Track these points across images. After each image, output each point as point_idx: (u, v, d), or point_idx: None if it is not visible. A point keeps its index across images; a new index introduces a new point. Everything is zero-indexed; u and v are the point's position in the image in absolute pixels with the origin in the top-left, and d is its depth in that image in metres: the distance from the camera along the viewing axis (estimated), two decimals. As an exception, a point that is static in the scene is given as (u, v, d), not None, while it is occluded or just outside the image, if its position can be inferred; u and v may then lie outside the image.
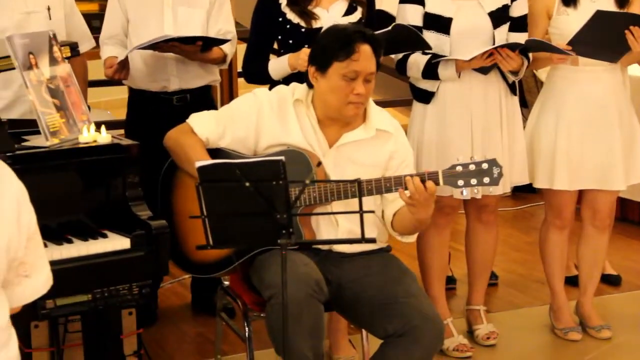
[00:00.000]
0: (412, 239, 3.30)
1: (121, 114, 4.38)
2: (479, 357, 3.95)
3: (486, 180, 3.05)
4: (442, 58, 3.71)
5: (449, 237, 4.06)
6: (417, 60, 3.78)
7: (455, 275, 4.70)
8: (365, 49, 3.09)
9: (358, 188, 2.75)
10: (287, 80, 3.62)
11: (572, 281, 4.37)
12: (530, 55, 3.80)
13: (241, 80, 5.17)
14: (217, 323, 3.61)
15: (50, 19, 3.71)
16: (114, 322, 3.13)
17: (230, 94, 5.53)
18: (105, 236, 2.97)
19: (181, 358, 3.94)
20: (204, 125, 3.26)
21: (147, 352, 3.30)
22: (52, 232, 2.90)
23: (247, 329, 3.26)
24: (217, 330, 3.63)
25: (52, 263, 2.68)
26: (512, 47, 3.67)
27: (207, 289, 4.22)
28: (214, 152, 3.23)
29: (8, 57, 3.01)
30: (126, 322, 3.16)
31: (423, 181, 2.99)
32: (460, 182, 3.06)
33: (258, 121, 3.22)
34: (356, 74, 3.09)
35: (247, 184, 2.63)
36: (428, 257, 3.99)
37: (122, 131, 4.33)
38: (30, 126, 3.11)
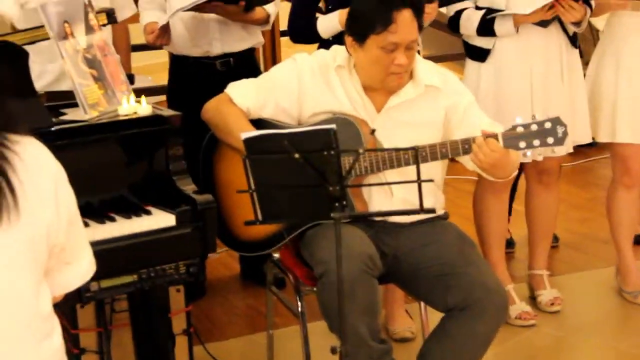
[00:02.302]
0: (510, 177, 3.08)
1: (163, 79, 4.27)
2: (543, 325, 3.80)
3: (550, 140, 2.86)
4: (499, 13, 3.52)
5: (507, 200, 3.88)
6: (471, 17, 3.59)
7: (514, 237, 4.51)
8: (404, 17, 2.89)
9: (416, 156, 2.57)
10: (337, 39, 3.48)
11: (638, 241, 4.20)
12: (593, 2, 3.58)
13: (284, 40, 5.02)
14: (267, 296, 3.49)
15: None
16: (162, 300, 3.00)
17: (273, 56, 5.37)
18: (149, 213, 2.83)
19: (232, 332, 3.85)
20: (244, 95, 3.10)
21: (196, 330, 3.18)
22: (94, 210, 2.78)
23: (299, 304, 3.14)
24: (267, 303, 3.51)
25: (95, 243, 2.63)
26: None
27: (256, 259, 4.06)
28: (256, 123, 3.08)
29: (42, 26, 2.86)
30: (174, 300, 3.04)
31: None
32: (522, 144, 2.86)
33: (300, 88, 3.06)
34: (396, 46, 2.90)
35: (297, 155, 2.48)
36: (486, 223, 3.83)
37: (164, 97, 4.22)
38: (71, 97, 2.96)
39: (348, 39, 2.99)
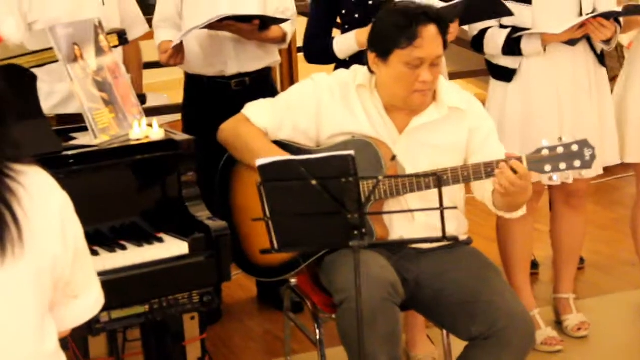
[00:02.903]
0: (521, 213, 2.97)
1: (179, 96, 4.19)
2: (570, 351, 3.68)
3: (577, 164, 2.75)
4: (526, 32, 3.42)
5: (533, 224, 3.76)
6: (495, 36, 3.50)
7: (538, 258, 4.39)
8: (430, 32, 2.80)
9: (438, 182, 2.48)
10: (353, 59, 3.41)
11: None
12: (622, 20, 3.47)
13: (301, 57, 4.94)
14: (285, 322, 3.40)
15: (103, 4, 3.51)
16: (176, 329, 2.94)
17: (291, 74, 5.29)
18: (161, 240, 2.76)
19: (250, 358, 3.76)
20: (262, 116, 3.02)
21: (211, 358, 3.10)
22: (104, 238, 2.72)
23: (317, 331, 3.06)
24: (285, 329, 3.42)
25: (105, 273, 2.58)
26: (606, 15, 3.36)
27: (274, 281, 4.01)
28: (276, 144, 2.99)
29: (51, 48, 2.79)
30: (188, 328, 2.96)
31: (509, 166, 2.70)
32: (548, 168, 2.76)
33: (318, 109, 2.96)
34: (421, 61, 2.81)
35: (314, 182, 2.39)
36: (510, 247, 3.71)
37: (179, 116, 4.14)
38: (81, 121, 2.89)
39: (371, 56, 2.90)
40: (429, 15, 2.81)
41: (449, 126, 2.96)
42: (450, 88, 3.02)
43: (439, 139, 2.95)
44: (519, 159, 2.75)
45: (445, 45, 2.87)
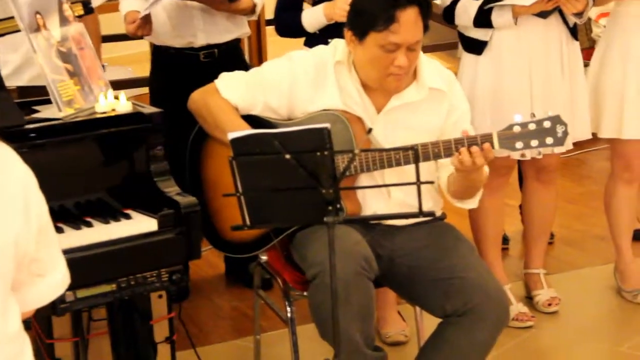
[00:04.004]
0: (474, 204, 2.96)
1: (144, 69, 4.10)
2: (541, 326, 3.68)
3: (549, 140, 2.71)
4: (497, 3, 3.37)
5: (504, 199, 3.74)
6: (467, 7, 3.44)
7: (508, 233, 4.37)
8: (408, 16, 2.71)
9: (415, 156, 2.42)
10: (323, 32, 3.36)
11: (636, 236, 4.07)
12: (595, -9, 3.45)
13: (270, 30, 4.87)
14: (255, 300, 3.34)
15: None
16: (143, 307, 2.86)
17: (259, 46, 5.20)
18: (128, 217, 2.67)
19: (218, 337, 3.70)
20: (234, 92, 2.94)
21: (187, 333, 3.06)
22: (69, 215, 2.62)
23: (288, 309, 3.01)
24: (255, 307, 3.37)
25: (71, 250, 2.49)
26: None
27: (242, 258, 3.95)
28: (245, 119, 2.92)
29: (12, 17, 2.68)
30: (156, 306, 2.89)
31: (473, 144, 2.65)
32: (519, 145, 2.72)
33: (291, 91, 2.89)
34: (396, 46, 2.73)
35: (288, 156, 2.33)
36: (482, 222, 3.69)
37: (146, 89, 4.05)
38: (41, 93, 2.79)
39: (347, 33, 2.82)
40: None
41: (428, 107, 2.90)
42: (432, 66, 2.95)
43: (417, 120, 2.89)
44: (490, 136, 2.70)
45: (426, 28, 2.79)
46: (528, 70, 3.47)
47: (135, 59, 5.87)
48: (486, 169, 2.80)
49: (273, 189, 2.42)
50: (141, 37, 3.74)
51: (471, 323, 2.74)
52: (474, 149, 2.67)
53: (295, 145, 2.34)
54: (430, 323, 2.92)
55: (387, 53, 2.74)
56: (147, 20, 3.60)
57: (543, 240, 3.86)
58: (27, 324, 2.77)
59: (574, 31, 3.54)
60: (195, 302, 3.94)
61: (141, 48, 5.37)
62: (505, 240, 4.34)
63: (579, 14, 3.44)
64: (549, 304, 3.76)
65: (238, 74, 3.01)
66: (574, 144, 3.62)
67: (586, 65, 3.72)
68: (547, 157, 3.39)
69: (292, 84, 2.88)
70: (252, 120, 2.91)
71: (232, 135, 2.38)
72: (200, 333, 3.69)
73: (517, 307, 3.68)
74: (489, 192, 3.57)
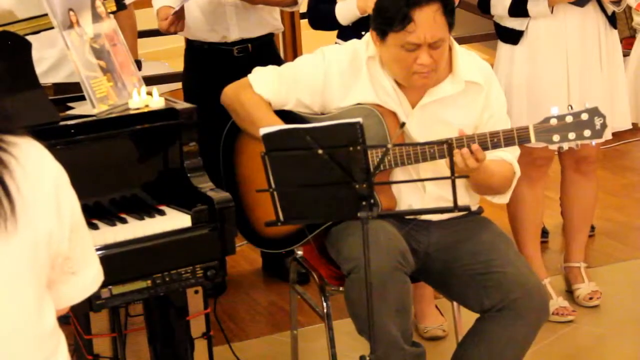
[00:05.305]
0: (505, 199, 2.92)
1: (180, 64, 4.09)
2: (581, 321, 3.62)
3: (587, 133, 2.67)
4: (533, -9, 3.31)
5: (543, 191, 3.68)
6: (503, -4, 3.38)
7: (547, 226, 4.30)
8: (426, 15, 2.66)
9: (449, 149, 2.38)
10: (356, 25, 3.34)
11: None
12: (631, -22, 3.38)
13: (304, 23, 4.84)
14: (291, 295, 3.32)
15: None
16: (179, 303, 2.85)
17: (294, 41, 5.18)
18: (163, 213, 2.67)
19: (255, 332, 3.70)
20: (267, 87, 2.92)
21: (222, 328, 3.07)
22: (103, 211, 2.63)
23: (325, 304, 2.98)
24: (291, 302, 3.34)
25: (105, 247, 2.50)
26: None
27: (279, 252, 3.93)
28: (279, 114, 2.90)
29: (45, 15, 2.68)
30: (192, 302, 2.88)
31: (508, 138, 2.61)
32: (556, 137, 2.68)
33: (325, 87, 2.87)
34: (416, 46, 2.69)
35: (320, 151, 2.31)
36: (521, 214, 3.63)
37: (179, 85, 4.05)
38: (77, 90, 2.80)
39: (372, 33, 2.79)
40: None
41: (464, 101, 2.86)
42: (468, 58, 2.89)
43: (453, 115, 2.85)
44: (526, 129, 2.67)
45: (450, 25, 2.73)
46: (565, 60, 3.41)
47: (172, 54, 5.85)
48: (516, 167, 2.77)
49: (306, 185, 2.40)
50: (174, 33, 3.74)
51: (510, 319, 2.71)
52: (464, 150, 2.63)
53: (328, 140, 2.32)
54: (468, 318, 2.88)
55: (409, 52, 2.70)
56: (179, 16, 3.60)
57: (584, 233, 3.80)
58: (66, 319, 2.80)
59: (612, 20, 3.48)
60: (232, 297, 3.94)
61: (178, 43, 5.36)
62: (545, 233, 4.27)
63: (617, 2, 3.38)
64: (590, 298, 3.71)
65: (271, 69, 2.99)
66: (614, 134, 3.56)
67: (627, 54, 3.65)
68: (586, 147, 3.33)
69: (325, 80, 2.86)
70: (285, 115, 2.89)
71: (263, 130, 2.36)
72: (237, 328, 3.70)
73: (558, 301, 3.63)
74: (528, 184, 3.54)
